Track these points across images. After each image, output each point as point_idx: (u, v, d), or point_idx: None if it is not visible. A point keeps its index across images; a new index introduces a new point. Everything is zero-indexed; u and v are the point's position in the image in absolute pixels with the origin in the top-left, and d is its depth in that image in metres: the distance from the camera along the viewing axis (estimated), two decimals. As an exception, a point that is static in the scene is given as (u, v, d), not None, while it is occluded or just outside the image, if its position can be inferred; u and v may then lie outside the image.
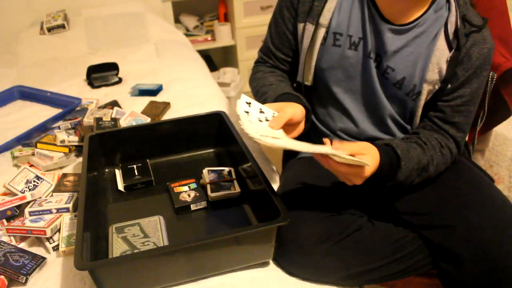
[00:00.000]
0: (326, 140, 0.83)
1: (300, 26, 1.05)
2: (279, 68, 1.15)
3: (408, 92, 1.00)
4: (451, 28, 0.96)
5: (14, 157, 1.22)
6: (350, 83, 1.04)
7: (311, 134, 1.13)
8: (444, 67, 0.96)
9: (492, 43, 0.97)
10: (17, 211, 1.00)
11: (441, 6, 0.97)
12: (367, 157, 0.84)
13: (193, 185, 1.04)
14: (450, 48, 0.96)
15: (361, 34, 0.99)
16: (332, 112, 1.09)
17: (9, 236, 0.94)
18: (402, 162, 0.91)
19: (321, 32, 1.01)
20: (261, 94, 1.07)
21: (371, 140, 1.04)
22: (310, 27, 1.02)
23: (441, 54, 0.96)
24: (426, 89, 0.98)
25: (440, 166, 0.99)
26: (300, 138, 0.91)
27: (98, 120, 1.29)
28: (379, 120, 1.06)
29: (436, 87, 0.98)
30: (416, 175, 0.95)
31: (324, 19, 1.01)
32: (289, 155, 1.22)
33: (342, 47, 1.01)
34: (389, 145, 0.94)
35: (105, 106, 1.47)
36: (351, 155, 0.81)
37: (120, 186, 1.07)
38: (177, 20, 2.81)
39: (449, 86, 0.97)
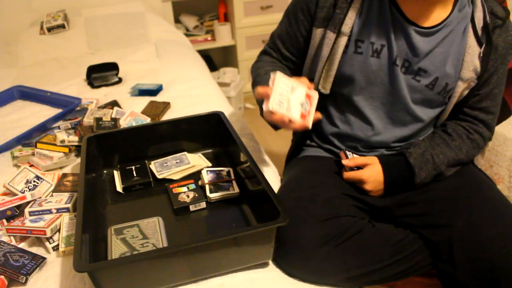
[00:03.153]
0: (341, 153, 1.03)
1: (317, 31, 1.03)
2: (282, 63, 1.15)
3: (440, 91, 1.00)
4: (478, 24, 0.96)
5: (14, 157, 1.22)
6: (372, 91, 1.02)
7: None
8: (477, 63, 0.97)
9: None
10: (17, 211, 1.00)
11: (464, 4, 0.97)
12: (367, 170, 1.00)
13: (192, 186, 1.04)
14: (479, 44, 0.96)
15: (384, 41, 0.98)
16: (351, 119, 1.08)
17: (9, 236, 0.94)
18: (415, 170, 0.98)
19: (343, 40, 0.99)
20: (256, 84, 1.07)
21: (388, 147, 1.08)
22: (331, 35, 1.00)
23: (473, 51, 0.97)
24: (461, 87, 0.99)
25: (471, 152, 1.04)
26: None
27: (98, 120, 1.29)
28: (401, 125, 1.05)
29: (472, 84, 0.99)
30: (444, 167, 1.01)
31: (347, 27, 0.98)
32: (292, 153, 1.21)
33: (364, 54, 0.99)
34: (403, 154, 1.01)
35: (105, 106, 1.47)
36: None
37: (119, 187, 1.07)
38: (177, 20, 2.80)
39: None
